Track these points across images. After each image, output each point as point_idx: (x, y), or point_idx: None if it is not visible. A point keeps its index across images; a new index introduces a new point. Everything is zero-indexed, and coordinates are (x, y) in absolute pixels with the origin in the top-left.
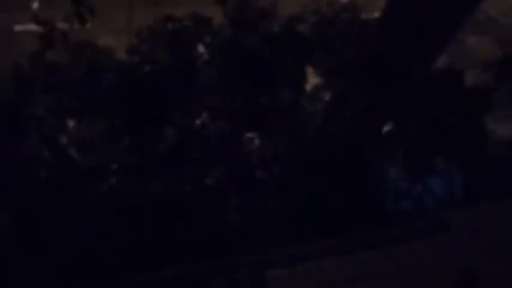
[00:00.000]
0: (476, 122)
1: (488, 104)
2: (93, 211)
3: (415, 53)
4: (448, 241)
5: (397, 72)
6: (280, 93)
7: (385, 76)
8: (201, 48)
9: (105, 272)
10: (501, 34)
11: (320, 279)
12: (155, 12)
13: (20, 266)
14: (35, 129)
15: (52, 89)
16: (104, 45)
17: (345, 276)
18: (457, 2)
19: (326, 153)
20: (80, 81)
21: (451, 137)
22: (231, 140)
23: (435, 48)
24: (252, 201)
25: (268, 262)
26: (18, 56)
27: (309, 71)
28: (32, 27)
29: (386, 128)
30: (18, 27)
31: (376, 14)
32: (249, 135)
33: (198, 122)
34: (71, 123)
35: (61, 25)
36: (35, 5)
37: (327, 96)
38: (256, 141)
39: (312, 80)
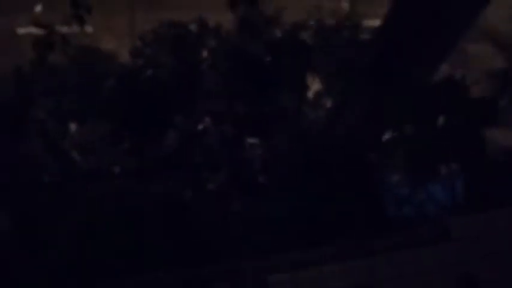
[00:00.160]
0: (478, 129)
1: (490, 111)
2: (93, 213)
3: (417, 60)
4: (449, 247)
5: (399, 79)
6: (282, 99)
7: (386, 83)
8: (205, 53)
9: (105, 274)
10: (502, 42)
11: (322, 284)
12: (157, 16)
13: (19, 266)
14: (36, 132)
15: (54, 92)
16: (106, 49)
17: (346, 281)
18: (459, 10)
19: (328, 159)
20: (81, 84)
21: (453, 143)
22: (233, 145)
23: (437, 56)
24: (253, 206)
25: (270, 267)
26: (21, 59)
27: (312, 77)
28: (35, 30)
29: (387, 134)
30: (21, 30)
31: (378, 22)
32: (251, 140)
33: (200, 126)
34: (72, 126)
35: (63, 29)
36: (38, 8)
37: (328, 102)
38: (259, 147)
39: (314, 87)
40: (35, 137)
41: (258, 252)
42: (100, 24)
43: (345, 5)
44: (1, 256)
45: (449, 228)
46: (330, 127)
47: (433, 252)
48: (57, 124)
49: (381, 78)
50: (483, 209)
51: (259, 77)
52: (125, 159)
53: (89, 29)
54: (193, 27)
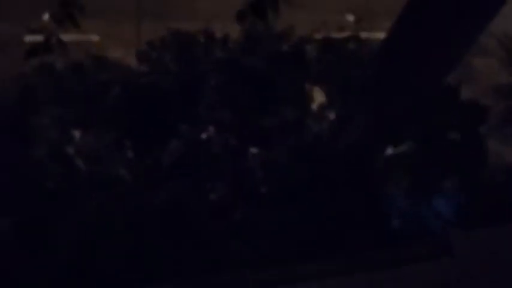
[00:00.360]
0: (482, 143)
1: (493, 126)
2: (96, 219)
3: (421, 74)
4: (452, 263)
5: (402, 92)
6: (286, 111)
7: (390, 96)
8: (210, 63)
9: (105, 281)
10: (507, 56)
11: None
12: (165, 25)
13: (20, 271)
14: (41, 139)
15: (59, 99)
16: (112, 57)
17: None
18: (465, 23)
19: (331, 172)
20: (87, 91)
21: (457, 158)
22: (236, 155)
23: (441, 70)
24: (256, 216)
25: (272, 280)
26: (28, 66)
27: (315, 90)
28: (42, 38)
29: (392, 148)
30: (29, 38)
31: (382, 35)
32: (254, 150)
33: (204, 135)
34: (77, 133)
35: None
36: (46, 16)
37: (332, 115)
38: (262, 157)
39: (318, 99)
40: (40, 144)
41: (259, 263)
42: (107, 33)
43: (351, 19)
44: (4, 260)
45: (451, 243)
46: (332, 140)
47: (436, 267)
48: (63, 131)
49: (385, 92)
50: (486, 225)
51: (263, 88)
52: (129, 166)
53: (95, 37)
54: (199, 37)
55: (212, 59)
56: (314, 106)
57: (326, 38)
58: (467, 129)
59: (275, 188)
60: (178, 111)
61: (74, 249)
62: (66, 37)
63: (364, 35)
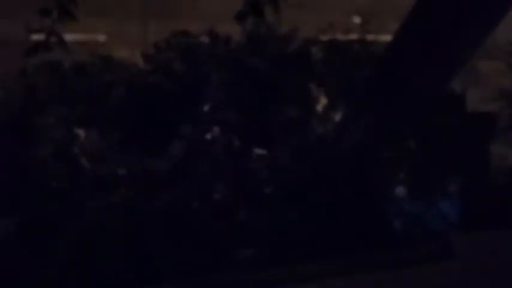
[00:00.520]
0: (486, 146)
1: (497, 129)
2: (99, 220)
3: (426, 76)
4: (453, 265)
5: (407, 94)
6: (291, 112)
7: (393, 98)
8: (215, 64)
9: (107, 282)
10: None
11: None
12: (171, 26)
13: (24, 270)
14: (45, 138)
15: (64, 99)
16: (118, 57)
17: None
18: (468, 30)
19: (335, 173)
20: (91, 91)
21: (460, 160)
22: (239, 155)
23: (446, 72)
24: (259, 217)
25: (274, 280)
26: (33, 65)
27: (320, 92)
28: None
29: (395, 149)
30: (34, 37)
31: (388, 37)
32: (258, 151)
33: (208, 135)
34: (81, 133)
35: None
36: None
37: (337, 116)
38: (265, 158)
39: (323, 101)
40: (43, 143)
41: (260, 264)
42: (114, 33)
43: (357, 21)
44: (7, 261)
45: (452, 245)
46: (336, 141)
47: (438, 269)
48: (67, 131)
49: (389, 94)
50: (488, 227)
51: (267, 89)
52: (133, 167)
53: (102, 37)
54: (204, 37)
55: (216, 59)
56: (318, 107)
57: (331, 40)
58: (473, 136)
59: (278, 188)
60: (182, 111)
61: (76, 250)
62: (72, 36)
63: (370, 37)
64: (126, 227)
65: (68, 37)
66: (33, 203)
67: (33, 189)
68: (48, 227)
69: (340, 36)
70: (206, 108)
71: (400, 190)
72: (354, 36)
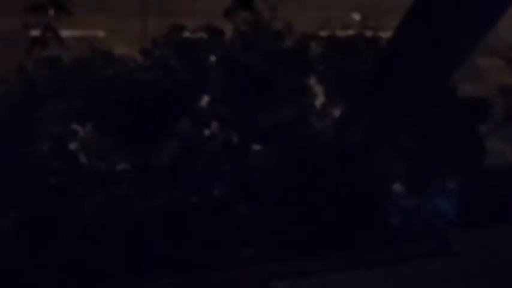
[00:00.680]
0: (481, 140)
1: (495, 125)
2: (99, 216)
3: (424, 75)
4: (452, 262)
5: (406, 91)
6: (289, 108)
7: (393, 95)
8: (212, 60)
9: (105, 277)
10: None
11: None
12: (170, 22)
13: (21, 268)
14: (44, 134)
15: (63, 95)
16: (118, 53)
17: None
18: (471, 24)
19: (334, 170)
20: (90, 87)
21: (461, 156)
22: (238, 152)
23: (444, 71)
24: (258, 213)
25: (272, 275)
26: (33, 61)
27: (319, 87)
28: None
29: (394, 145)
30: (34, 33)
31: (389, 34)
32: (256, 148)
33: (206, 132)
34: (80, 129)
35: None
36: (51, 12)
37: (335, 112)
38: (264, 154)
39: (322, 97)
40: (43, 140)
41: (260, 260)
42: (113, 29)
43: (357, 17)
44: (7, 258)
45: (451, 242)
46: (335, 137)
47: (434, 266)
48: (66, 126)
49: (389, 90)
50: (487, 224)
51: (265, 85)
52: (132, 163)
53: (101, 33)
54: (201, 33)
55: (213, 55)
56: (317, 104)
57: (330, 36)
58: (466, 124)
59: (277, 185)
60: (180, 107)
61: (75, 246)
62: (71, 32)
63: (370, 33)
64: (125, 223)
65: (67, 33)
66: (32, 198)
67: (32, 185)
68: (47, 222)
69: (340, 32)
70: (204, 104)
71: (399, 187)
72: (353, 32)
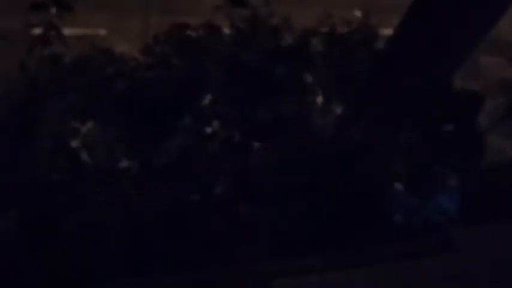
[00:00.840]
0: (480, 135)
1: (495, 121)
2: (100, 214)
3: (426, 72)
4: (453, 259)
5: (405, 89)
6: (290, 105)
7: (394, 92)
8: (213, 57)
9: (107, 275)
10: None
11: None
12: (172, 20)
13: (24, 268)
14: (46, 133)
15: (65, 93)
16: (119, 51)
17: None
18: (472, 24)
19: (334, 167)
20: (92, 85)
21: (462, 154)
22: (240, 150)
23: (446, 68)
24: (259, 212)
25: (274, 272)
26: (35, 59)
27: (321, 84)
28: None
29: (394, 143)
30: (36, 31)
31: (390, 31)
32: (258, 145)
33: (208, 129)
34: (82, 126)
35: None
36: (53, 10)
37: (337, 109)
38: (266, 152)
39: (323, 94)
40: (45, 137)
41: (261, 258)
42: (115, 27)
43: (358, 14)
44: (7, 256)
45: (451, 238)
46: (336, 134)
47: (439, 263)
48: (68, 124)
49: (390, 88)
50: (488, 220)
51: (266, 82)
52: (133, 161)
53: (102, 31)
54: (201, 31)
55: (214, 53)
56: (318, 101)
57: (331, 32)
58: (463, 118)
59: (277, 184)
60: (181, 105)
61: (75, 247)
62: (73, 31)
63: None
64: (125, 222)
65: (69, 31)
66: (33, 197)
67: (33, 183)
68: (47, 221)
69: (341, 29)
70: (205, 102)
71: (400, 185)
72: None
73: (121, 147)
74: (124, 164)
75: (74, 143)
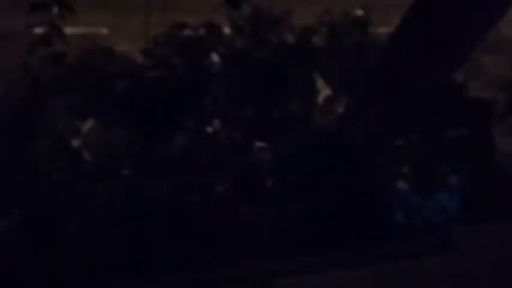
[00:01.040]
0: (488, 140)
1: (499, 121)
2: (101, 212)
3: (428, 69)
4: (455, 258)
5: (409, 86)
6: (291, 104)
7: (396, 90)
8: (214, 56)
9: (107, 274)
10: None
11: None
12: (173, 19)
13: (25, 267)
14: (47, 131)
15: (65, 92)
16: (120, 50)
17: None
18: (472, 23)
19: (337, 165)
20: (94, 84)
21: (463, 153)
22: (241, 149)
23: (448, 67)
24: (260, 210)
25: (275, 271)
26: (36, 58)
27: (321, 82)
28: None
29: (397, 141)
30: (38, 31)
31: (391, 29)
32: (259, 144)
33: (209, 129)
34: (83, 125)
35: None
36: (55, 10)
37: (339, 108)
38: (267, 151)
39: (324, 92)
40: (46, 136)
41: (263, 256)
42: (115, 26)
43: (359, 12)
44: (4, 256)
45: (454, 238)
46: (339, 132)
47: (440, 262)
48: (69, 123)
49: (392, 86)
50: (490, 219)
51: (267, 81)
52: (135, 160)
53: (103, 30)
54: (202, 30)
55: (214, 52)
56: (320, 98)
57: (331, 29)
58: (475, 124)
59: (280, 181)
60: (183, 105)
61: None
62: (74, 30)
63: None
64: (125, 221)
65: (70, 30)
66: (34, 196)
67: (34, 182)
68: (48, 220)
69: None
70: (207, 101)
71: (403, 182)
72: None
73: (121, 146)
74: (124, 164)
75: (75, 143)
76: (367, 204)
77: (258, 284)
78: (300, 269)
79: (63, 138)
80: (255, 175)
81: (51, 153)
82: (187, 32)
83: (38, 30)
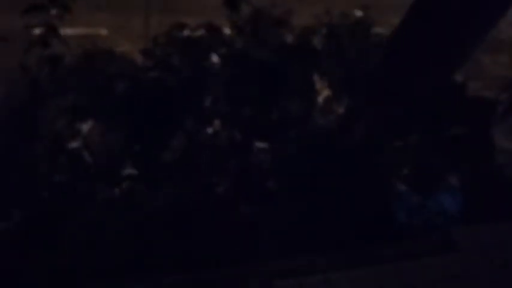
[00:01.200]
0: (490, 138)
1: (499, 121)
2: (101, 214)
3: (428, 69)
4: (455, 258)
5: (409, 86)
6: (291, 104)
7: (396, 90)
8: (214, 57)
9: (107, 274)
10: None
11: None
12: (173, 20)
13: (25, 267)
14: (47, 132)
15: (65, 93)
16: (120, 51)
17: None
18: (474, 23)
19: (337, 165)
20: (94, 85)
21: (463, 153)
22: (241, 149)
23: (447, 68)
24: (261, 211)
25: (276, 272)
26: (36, 59)
27: (321, 83)
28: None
29: (397, 142)
30: (37, 31)
31: (391, 29)
32: (259, 145)
33: (209, 130)
34: (83, 127)
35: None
36: (53, 11)
37: (339, 108)
38: (267, 151)
39: (324, 92)
40: (46, 137)
41: (264, 258)
42: (115, 27)
43: (358, 13)
44: (4, 256)
45: (454, 238)
46: (339, 133)
47: (440, 262)
48: (69, 124)
49: (392, 86)
50: (491, 219)
51: (266, 81)
52: (135, 161)
53: (103, 31)
54: (202, 31)
55: (214, 53)
56: (320, 99)
57: (330, 29)
58: (475, 123)
59: (280, 182)
60: (183, 106)
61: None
62: (74, 30)
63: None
64: (126, 221)
65: (70, 31)
66: (34, 197)
67: (34, 183)
68: (48, 221)
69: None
70: (207, 101)
71: (403, 183)
72: (354, 26)
73: (121, 147)
74: (124, 164)
75: (75, 143)
76: (367, 204)
77: (258, 284)
78: (300, 269)
79: (63, 138)
80: (255, 175)
81: (51, 153)
82: (187, 32)
83: (36, 31)
